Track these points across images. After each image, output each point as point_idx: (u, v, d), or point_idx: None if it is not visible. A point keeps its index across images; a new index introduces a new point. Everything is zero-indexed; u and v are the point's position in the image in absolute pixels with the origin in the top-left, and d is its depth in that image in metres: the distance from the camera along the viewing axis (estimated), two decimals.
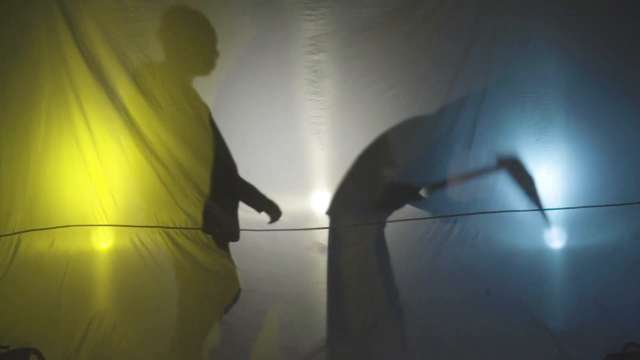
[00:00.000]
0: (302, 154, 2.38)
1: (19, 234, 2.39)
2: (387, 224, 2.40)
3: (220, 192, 2.39)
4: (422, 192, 2.41)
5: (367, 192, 2.41)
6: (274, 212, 2.42)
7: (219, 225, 2.41)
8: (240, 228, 2.41)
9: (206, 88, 2.32)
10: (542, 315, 2.38)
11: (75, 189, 2.43)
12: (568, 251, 2.38)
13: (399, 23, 2.30)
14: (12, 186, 2.36)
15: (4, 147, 2.34)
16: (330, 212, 2.42)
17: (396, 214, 2.40)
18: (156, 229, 2.42)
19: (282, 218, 2.43)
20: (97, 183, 2.41)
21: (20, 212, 2.38)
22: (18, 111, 2.34)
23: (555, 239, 2.39)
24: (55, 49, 2.32)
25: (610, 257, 2.35)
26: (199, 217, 2.40)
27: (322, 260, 2.42)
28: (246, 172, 2.41)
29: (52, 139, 2.40)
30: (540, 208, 2.36)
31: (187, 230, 2.41)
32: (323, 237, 2.42)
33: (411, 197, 2.41)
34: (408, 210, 2.40)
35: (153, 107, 2.33)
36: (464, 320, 2.39)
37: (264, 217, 2.43)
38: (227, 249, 2.43)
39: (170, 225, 2.41)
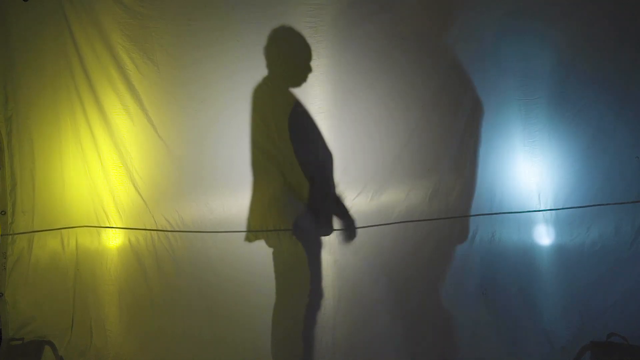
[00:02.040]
0: None
1: (33, 233, 2.46)
2: (387, 225, 2.46)
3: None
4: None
5: (365, 195, 2.46)
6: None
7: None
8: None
9: (210, 92, 2.39)
10: (534, 309, 2.46)
11: (81, 191, 2.50)
12: (559, 249, 2.45)
13: (396, 28, 2.36)
14: (25, 188, 2.43)
15: (20, 148, 2.42)
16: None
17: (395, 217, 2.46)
18: (155, 232, 2.48)
19: None
20: (101, 186, 2.47)
21: (33, 212, 2.45)
22: (32, 113, 2.42)
23: (547, 239, 2.46)
24: (62, 54, 2.38)
25: (597, 254, 2.43)
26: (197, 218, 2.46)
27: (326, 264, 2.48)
28: (246, 173, 2.45)
29: (59, 142, 2.47)
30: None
31: (185, 233, 2.47)
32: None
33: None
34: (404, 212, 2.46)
35: (155, 113, 2.40)
36: (462, 318, 2.48)
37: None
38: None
39: (168, 229, 2.47)
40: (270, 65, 2.34)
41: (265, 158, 2.39)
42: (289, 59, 2.38)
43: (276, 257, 2.45)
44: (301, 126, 2.38)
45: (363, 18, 2.34)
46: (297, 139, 2.37)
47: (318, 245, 2.45)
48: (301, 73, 2.35)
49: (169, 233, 2.46)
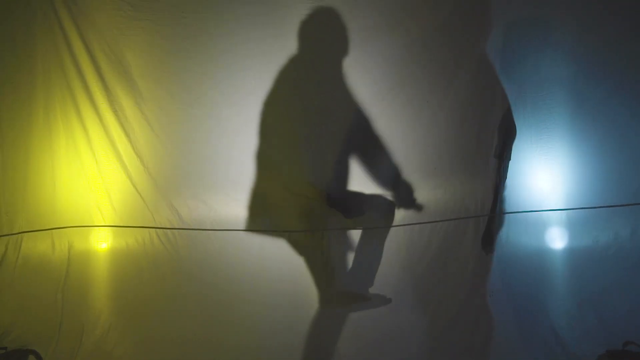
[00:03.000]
0: None
1: (18, 235, 2.38)
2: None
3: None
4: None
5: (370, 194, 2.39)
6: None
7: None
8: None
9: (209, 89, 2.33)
10: (545, 315, 2.40)
11: (73, 190, 2.43)
12: (570, 252, 2.39)
13: (400, 22, 2.28)
14: (11, 187, 2.36)
15: (2, 147, 2.34)
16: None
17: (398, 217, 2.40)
18: (154, 229, 2.42)
19: None
20: (94, 184, 2.41)
21: (19, 213, 2.38)
22: (17, 110, 2.35)
23: (557, 240, 2.40)
24: (52, 49, 2.31)
25: (612, 258, 2.37)
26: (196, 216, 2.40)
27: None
28: (246, 170, 2.38)
29: (49, 139, 2.39)
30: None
31: (186, 230, 2.41)
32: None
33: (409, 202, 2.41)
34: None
35: (150, 108, 2.33)
36: (469, 321, 2.41)
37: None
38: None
39: (168, 226, 2.41)
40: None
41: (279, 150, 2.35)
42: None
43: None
44: None
45: (366, 11, 2.26)
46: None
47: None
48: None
49: (169, 231, 2.41)
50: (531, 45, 2.31)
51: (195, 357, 2.43)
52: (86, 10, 2.26)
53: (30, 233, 2.39)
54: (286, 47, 2.26)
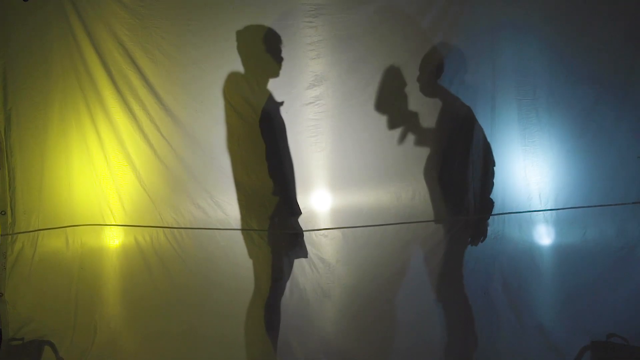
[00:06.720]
0: (301, 156, 2.40)
1: (34, 232, 2.45)
2: (390, 226, 2.44)
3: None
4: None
5: (370, 193, 2.45)
6: None
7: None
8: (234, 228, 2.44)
9: (210, 93, 2.38)
10: (535, 310, 2.46)
11: (85, 190, 2.50)
12: (559, 250, 2.44)
13: (396, 26, 2.36)
14: (28, 187, 2.44)
15: (19, 149, 2.43)
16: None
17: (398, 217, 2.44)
18: (161, 229, 2.48)
19: None
20: (106, 185, 2.48)
21: (35, 211, 2.46)
22: (33, 114, 2.44)
23: (548, 239, 2.45)
24: (67, 57, 2.40)
25: (598, 255, 2.43)
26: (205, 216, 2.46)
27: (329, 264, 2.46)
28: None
29: (64, 141, 2.47)
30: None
31: (191, 230, 2.46)
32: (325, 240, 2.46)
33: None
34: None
35: (158, 112, 2.40)
36: (462, 316, 2.45)
37: None
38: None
39: (174, 225, 2.46)
40: (243, 62, 2.33)
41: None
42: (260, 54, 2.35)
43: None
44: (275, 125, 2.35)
45: (363, 18, 2.34)
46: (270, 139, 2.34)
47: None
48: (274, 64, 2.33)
49: (175, 230, 2.46)
50: (521, 49, 2.36)
51: (201, 352, 2.48)
52: (96, 17, 2.35)
53: (45, 231, 2.47)
54: (285, 53, 2.33)
